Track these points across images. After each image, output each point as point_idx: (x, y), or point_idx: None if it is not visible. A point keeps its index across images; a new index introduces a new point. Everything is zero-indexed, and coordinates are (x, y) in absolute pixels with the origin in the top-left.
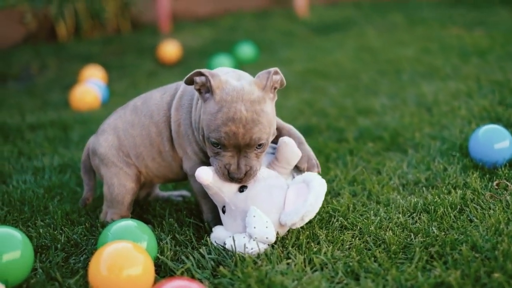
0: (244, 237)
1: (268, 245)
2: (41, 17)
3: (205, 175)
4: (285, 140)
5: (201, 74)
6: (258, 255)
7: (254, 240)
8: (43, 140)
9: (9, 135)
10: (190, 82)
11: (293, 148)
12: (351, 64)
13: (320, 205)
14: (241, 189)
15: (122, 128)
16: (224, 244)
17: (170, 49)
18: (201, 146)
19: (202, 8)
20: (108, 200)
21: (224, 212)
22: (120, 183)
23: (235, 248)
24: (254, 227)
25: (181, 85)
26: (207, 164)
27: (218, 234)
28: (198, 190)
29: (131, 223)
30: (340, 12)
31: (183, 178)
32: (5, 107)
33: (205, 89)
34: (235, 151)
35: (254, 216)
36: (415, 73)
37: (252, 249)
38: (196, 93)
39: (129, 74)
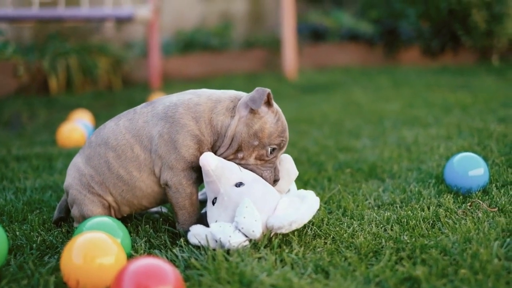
0: (230, 227)
1: (250, 241)
2: (34, 71)
3: (210, 160)
4: (285, 155)
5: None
6: (229, 253)
7: (239, 231)
8: (27, 168)
9: None
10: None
11: (292, 162)
12: (336, 114)
13: (310, 217)
14: (238, 184)
15: (81, 162)
16: (206, 236)
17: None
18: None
19: (193, 70)
20: (79, 221)
21: (213, 204)
22: (87, 209)
23: (218, 235)
24: (244, 217)
25: (151, 104)
26: (191, 171)
27: (197, 231)
28: (176, 201)
29: (106, 219)
30: (328, 76)
31: (149, 204)
32: None
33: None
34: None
35: (246, 207)
36: (397, 121)
37: (235, 241)
38: (226, 106)
39: None
